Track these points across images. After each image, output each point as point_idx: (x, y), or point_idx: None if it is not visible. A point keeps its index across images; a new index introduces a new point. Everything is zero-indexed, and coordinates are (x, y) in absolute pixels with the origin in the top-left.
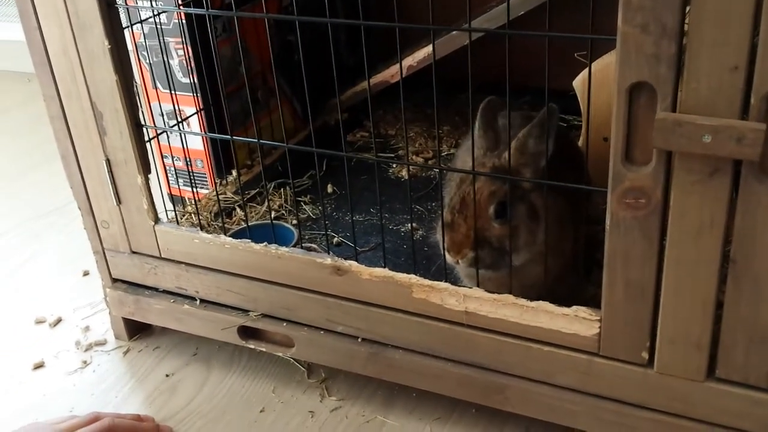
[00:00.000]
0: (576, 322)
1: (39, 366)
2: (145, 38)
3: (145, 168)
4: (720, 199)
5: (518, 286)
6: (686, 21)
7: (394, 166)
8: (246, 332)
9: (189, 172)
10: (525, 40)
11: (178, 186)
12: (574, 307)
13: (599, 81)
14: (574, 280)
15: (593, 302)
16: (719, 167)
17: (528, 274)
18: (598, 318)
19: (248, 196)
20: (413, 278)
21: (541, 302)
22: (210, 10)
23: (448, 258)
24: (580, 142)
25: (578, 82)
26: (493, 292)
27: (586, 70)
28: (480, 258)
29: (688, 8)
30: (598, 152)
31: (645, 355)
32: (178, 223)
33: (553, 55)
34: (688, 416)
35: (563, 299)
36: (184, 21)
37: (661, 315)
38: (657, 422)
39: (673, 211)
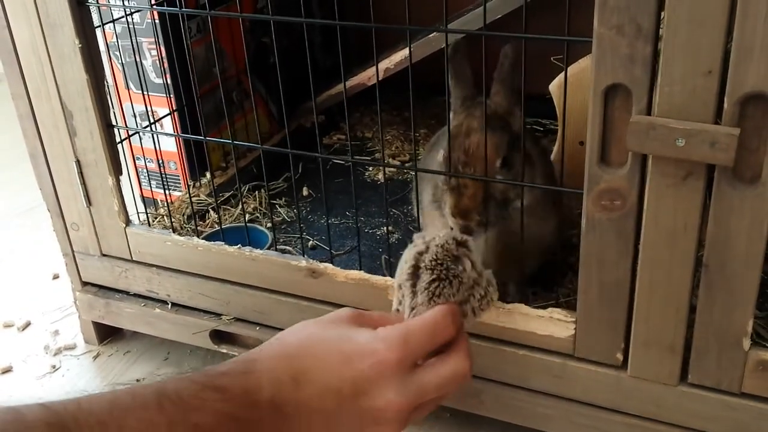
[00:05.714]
0: (551, 323)
1: (7, 370)
2: (117, 38)
3: (117, 169)
4: (693, 203)
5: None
6: (662, 25)
7: (370, 168)
8: (218, 336)
9: (162, 173)
10: (503, 44)
11: (151, 188)
12: (550, 309)
13: (575, 85)
14: (554, 246)
15: (567, 304)
16: (693, 171)
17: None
18: (573, 320)
19: (222, 199)
20: (389, 281)
21: (516, 304)
22: (183, 9)
23: (452, 223)
24: (556, 147)
25: (554, 86)
26: None
27: (562, 74)
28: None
29: (663, 13)
30: (574, 156)
31: (619, 356)
32: (149, 225)
33: (531, 59)
34: (660, 420)
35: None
36: (157, 20)
37: (635, 317)
38: (630, 426)
39: (648, 214)
